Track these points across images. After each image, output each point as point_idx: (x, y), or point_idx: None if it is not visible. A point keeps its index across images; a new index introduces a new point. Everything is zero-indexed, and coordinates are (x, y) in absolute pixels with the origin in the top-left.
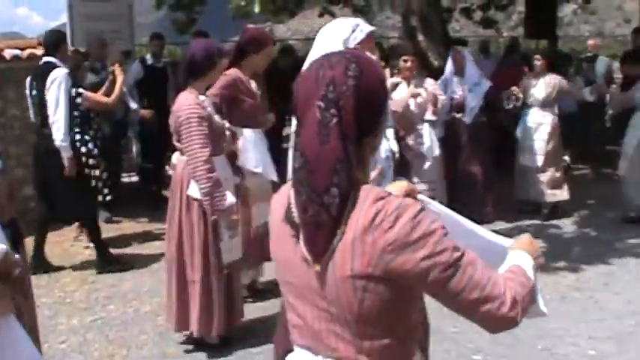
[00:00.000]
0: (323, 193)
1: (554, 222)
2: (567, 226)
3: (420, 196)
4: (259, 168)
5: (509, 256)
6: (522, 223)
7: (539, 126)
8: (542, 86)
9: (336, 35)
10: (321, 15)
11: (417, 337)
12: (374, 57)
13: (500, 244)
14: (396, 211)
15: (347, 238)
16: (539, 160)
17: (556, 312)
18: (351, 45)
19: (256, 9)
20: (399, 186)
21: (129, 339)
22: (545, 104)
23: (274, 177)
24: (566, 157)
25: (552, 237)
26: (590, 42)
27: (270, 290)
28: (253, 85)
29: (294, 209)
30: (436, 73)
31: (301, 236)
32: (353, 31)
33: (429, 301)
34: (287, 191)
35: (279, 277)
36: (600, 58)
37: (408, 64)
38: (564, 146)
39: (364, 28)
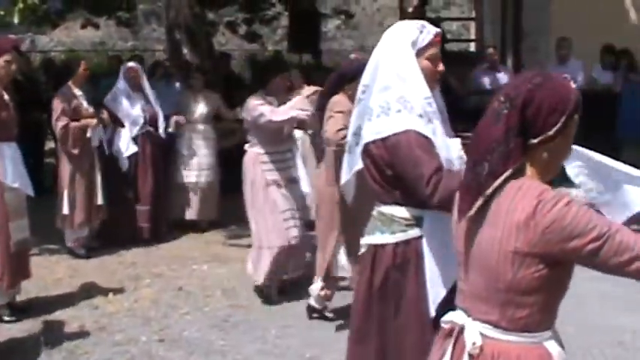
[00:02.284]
0: (477, 164)
1: None
2: None
3: None
4: (16, 183)
5: None
6: None
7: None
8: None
9: (405, 38)
10: (83, 26)
11: (556, 308)
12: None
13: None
14: (553, 199)
15: (511, 219)
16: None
17: (320, 322)
18: (421, 46)
19: (15, 19)
20: None
21: None
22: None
23: (31, 192)
24: None
25: None
26: (352, 56)
27: (29, 308)
28: (6, 96)
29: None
30: None
31: (456, 197)
32: (420, 32)
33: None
34: None
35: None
36: None
37: None
38: None
39: (430, 29)
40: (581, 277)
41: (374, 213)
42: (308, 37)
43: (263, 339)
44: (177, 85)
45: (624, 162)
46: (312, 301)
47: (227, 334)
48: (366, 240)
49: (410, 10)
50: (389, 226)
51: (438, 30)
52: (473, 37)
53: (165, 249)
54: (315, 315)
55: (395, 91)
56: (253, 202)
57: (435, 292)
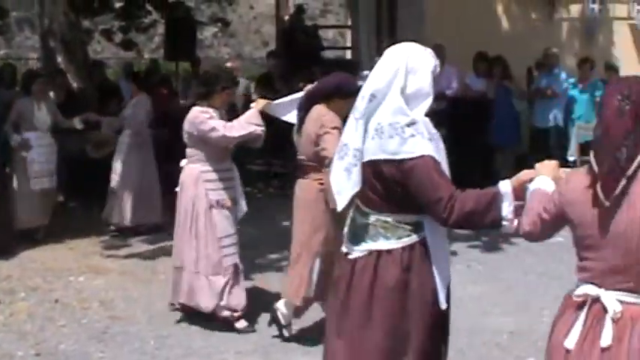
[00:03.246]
0: (616, 151)
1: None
2: None
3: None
4: None
5: None
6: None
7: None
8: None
9: (428, 65)
10: None
11: None
12: None
13: None
14: None
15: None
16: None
17: (203, 331)
18: (435, 72)
19: None
20: (548, 165)
21: None
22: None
23: None
24: None
25: None
26: (229, 64)
27: None
28: None
29: (594, 165)
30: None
31: (598, 183)
32: (436, 64)
33: None
34: (583, 172)
35: (579, 235)
36: (240, 80)
37: None
38: None
39: (437, 63)
40: (458, 280)
41: (372, 221)
42: (184, 45)
43: (142, 350)
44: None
45: (497, 168)
46: (279, 313)
47: (106, 345)
48: (368, 247)
49: (286, 18)
50: (394, 232)
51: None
52: (349, 44)
53: (40, 261)
54: (277, 328)
55: (406, 114)
56: (191, 224)
57: (443, 285)
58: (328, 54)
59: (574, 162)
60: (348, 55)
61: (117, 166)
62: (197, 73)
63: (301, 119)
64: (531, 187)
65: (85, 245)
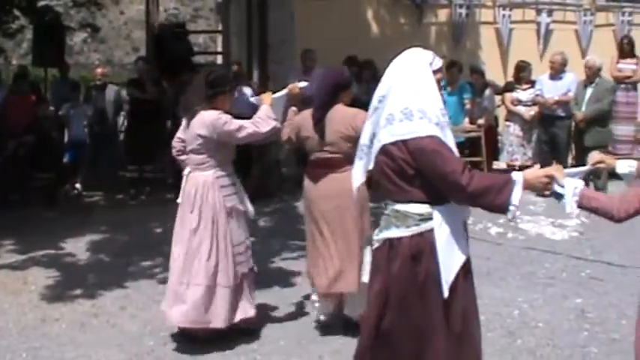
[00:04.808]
0: None
1: (67, 250)
2: (82, 253)
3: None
4: None
5: None
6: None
7: None
8: None
9: (422, 59)
10: None
11: None
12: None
13: None
14: None
15: None
16: None
17: (75, 340)
18: (434, 69)
19: None
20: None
21: None
22: None
23: None
24: (78, 185)
25: (67, 265)
26: (98, 70)
27: None
28: None
29: None
30: None
31: None
32: (434, 57)
33: None
34: None
35: None
36: (110, 86)
37: None
38: None
39: (439, 59)
40: None
41: (387, 211)
42: (53, 50)
43: None
44: None
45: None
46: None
47: None
48: (382, 235)
49: (156, 24)
50: (403, 221)
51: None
52: (220, 49)
53: None
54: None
55: (413, 102)
56: (213, 233)
57: (447, 275)
58: (199, 59)
59: None
60: (219, 60)
61: None
62: (66, 80)
63: (321, 117)
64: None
65: None
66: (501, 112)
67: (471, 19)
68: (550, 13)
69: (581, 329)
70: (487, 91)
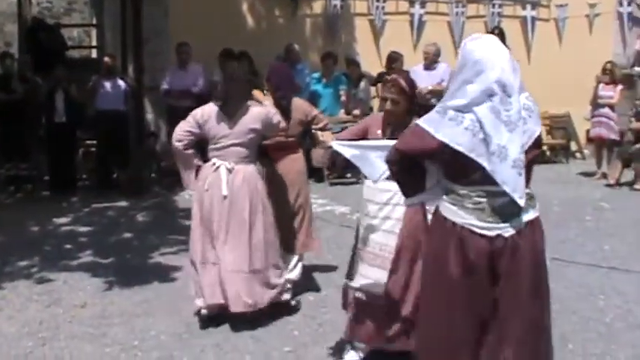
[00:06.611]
0: None
1: None
2: None
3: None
4: None
5: None
6: None
7: None
8: None
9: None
10: None
11: None
12: None
13: None
14: None
15: None
16: None
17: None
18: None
19: None
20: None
21: None
22: None
23: None
24: None
25: None
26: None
27: None
28: None
29: None
30: None
31: None
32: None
33: None
34: None
35: None
36: None
37: None
38: None
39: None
40: None
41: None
42: None
43: None
44: None
45: None
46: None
47: None
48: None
49: (29, 17)
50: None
51: None
52: (95, 43)
53: None
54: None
55: (458, 99)
56: (264, 220)
57: None
58: (73, 53)
59: None
60: (94, 54)
61: None
62: None
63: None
64: None
65: None
66: (376, 103)
67: (345, 11)
68: (423, 4)
69: None
70: (362, 83)
